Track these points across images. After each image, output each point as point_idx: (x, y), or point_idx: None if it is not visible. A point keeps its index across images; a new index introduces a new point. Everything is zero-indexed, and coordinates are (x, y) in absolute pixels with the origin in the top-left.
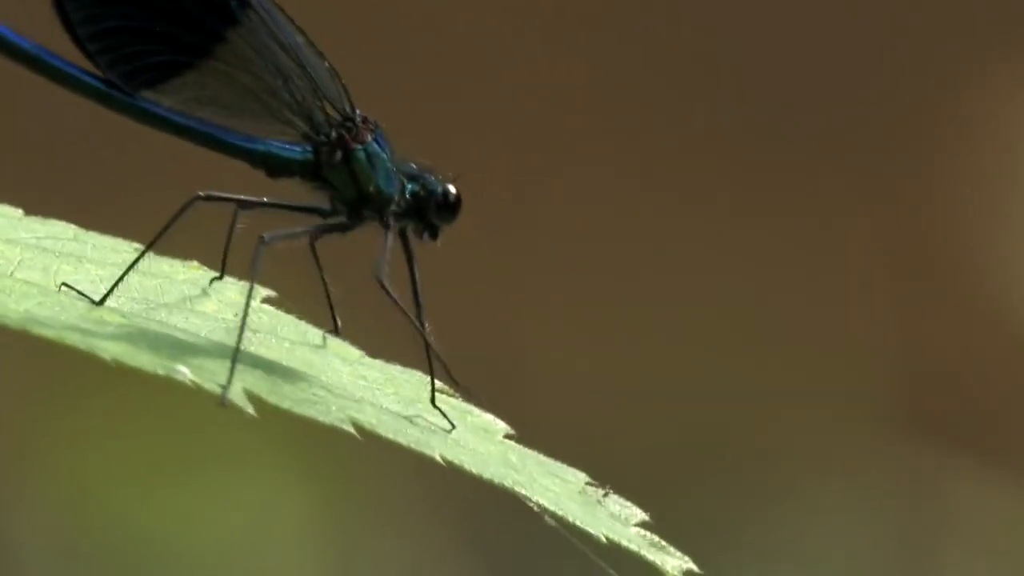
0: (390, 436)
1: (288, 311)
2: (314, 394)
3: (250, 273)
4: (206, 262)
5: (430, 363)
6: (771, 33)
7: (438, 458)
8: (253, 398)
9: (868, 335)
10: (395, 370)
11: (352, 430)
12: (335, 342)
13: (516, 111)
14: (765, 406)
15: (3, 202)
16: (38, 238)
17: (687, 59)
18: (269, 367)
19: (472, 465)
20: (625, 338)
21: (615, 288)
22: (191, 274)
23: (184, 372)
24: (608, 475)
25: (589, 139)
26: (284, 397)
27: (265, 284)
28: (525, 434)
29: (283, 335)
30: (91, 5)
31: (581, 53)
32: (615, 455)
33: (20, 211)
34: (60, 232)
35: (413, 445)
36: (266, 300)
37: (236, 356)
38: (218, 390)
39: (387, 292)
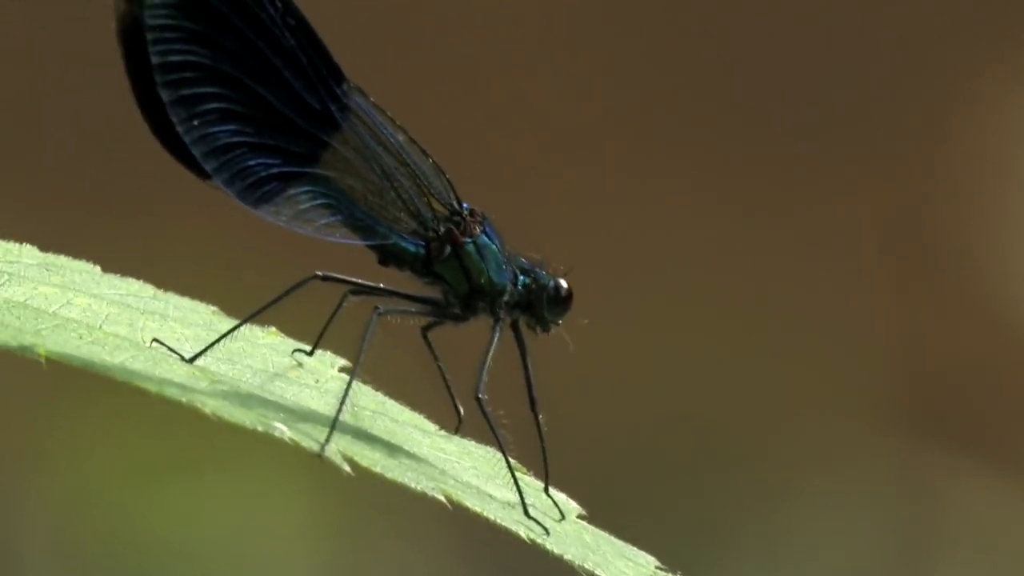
0: (476, 509)
1: (364, 382)
2: (401, 462)
3: (360, 341)
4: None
5: (544, 457)
6: (774, 32)
7: (523, 535)
8: (347, 459)
9: (868, 335)
10: (470, 445)
11: (443, 499)
12: (411, 414)
13: (518, 111)
14: (765, 406)
15: (81, 256)
16: (120, 295)
17: (688, 53)
18: (357, 432)
19: (554, 545)
20: (625, 338)
21: (613, 287)
22: (271, 340)
23: (282, 430)
24: (609, 474)
25: (589, 137)
26: (376, 462)
27: (340, 355)
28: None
29: (363, 404)
30: (201, 126)
31: (579, 51)
32: (615, 455)
33: (98, 267)
34: (139, 290)
35: (498, 520)
36: (343, 369)
37: (337, 417)
38: (315, 447)
39: (484, 414)
